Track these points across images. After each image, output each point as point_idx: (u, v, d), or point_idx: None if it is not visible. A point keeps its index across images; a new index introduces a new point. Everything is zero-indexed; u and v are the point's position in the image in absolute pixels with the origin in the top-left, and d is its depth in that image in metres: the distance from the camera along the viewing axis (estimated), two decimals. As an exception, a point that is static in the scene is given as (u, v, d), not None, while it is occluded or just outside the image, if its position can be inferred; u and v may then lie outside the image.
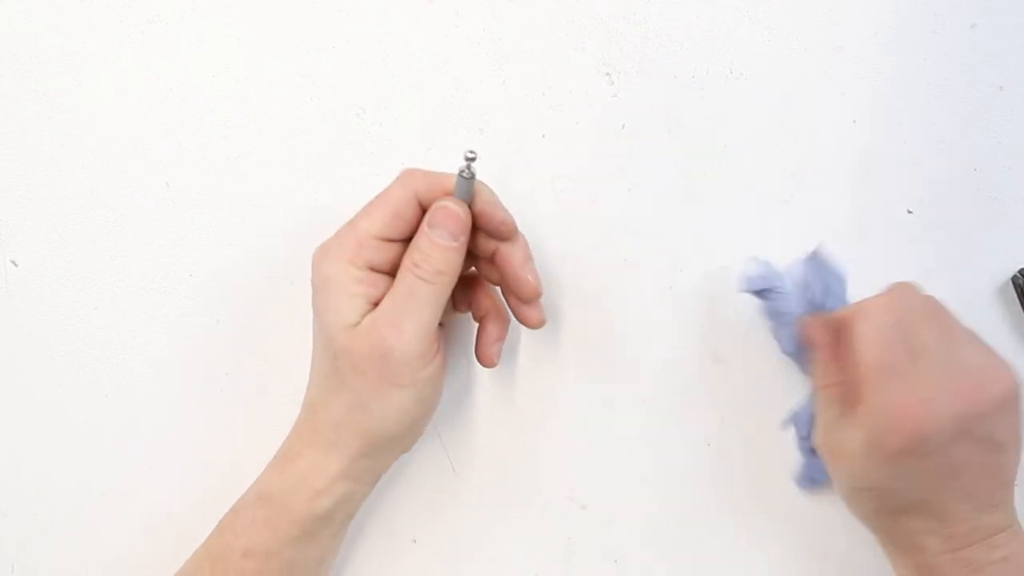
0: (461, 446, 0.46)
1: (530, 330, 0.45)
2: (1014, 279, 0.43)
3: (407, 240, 0.39)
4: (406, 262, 0.38)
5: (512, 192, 0.44)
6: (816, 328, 0.41)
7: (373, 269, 0.38)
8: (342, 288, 0.38)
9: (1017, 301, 0.44)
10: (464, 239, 0.38)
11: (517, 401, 0.46)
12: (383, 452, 0.40)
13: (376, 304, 0.38)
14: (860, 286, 0.45)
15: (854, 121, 0.45)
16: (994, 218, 0.44)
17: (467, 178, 0.38)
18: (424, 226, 0.38)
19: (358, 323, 0.37)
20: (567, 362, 0.45)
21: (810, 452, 0.42)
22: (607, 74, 0.45)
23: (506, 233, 0.39)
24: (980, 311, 0.44)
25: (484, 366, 0.42)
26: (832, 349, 0.39)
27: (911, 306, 0.37)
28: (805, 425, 0.43)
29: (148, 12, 0.46)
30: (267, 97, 0.46)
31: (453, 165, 0.46)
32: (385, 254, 0.38)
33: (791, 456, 0.44)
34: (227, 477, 0.45)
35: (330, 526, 0.40)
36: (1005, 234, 0.44)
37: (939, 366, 0.35)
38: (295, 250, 0.46)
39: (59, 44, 0.46)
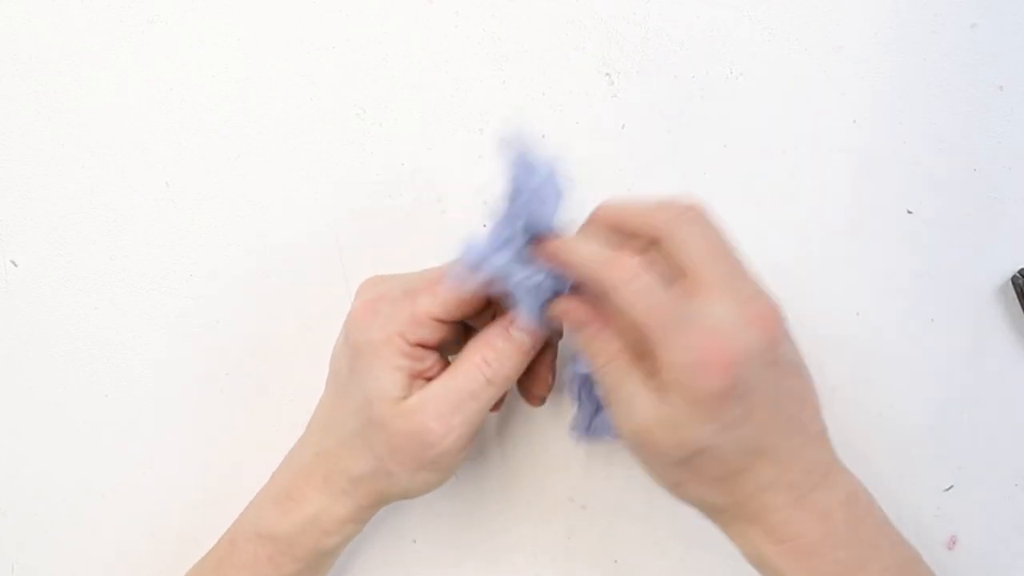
0: (461, 446, 0.46)
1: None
2: (1014, 279, 0.43)
3: (464, 320, 0.38)
4: (476, 359, 0.36)
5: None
6: (573, 306, 0.36)
7: (421, 346, 0.37)
8: (388, 360, 0.36)
9: (1017, 301, 0.44)
10: (538, 346, 0.38)
11: (517, 401, 0.46)
12: (390, 503, 0.40)
13: (417, 377, 0.37)
14: (860, 286, 0.45)
15: (854, 121, 0.45)
16: (994, 218, 0.44)
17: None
18: (508, 327, 0.37)
19: (400, 398, 0.36)
20: (567, 362, 0.45)
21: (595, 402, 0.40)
22: (607, 74, 0.45)
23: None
24: (980, 311, 0.44)
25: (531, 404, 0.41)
26: (598, 320, 0.35)
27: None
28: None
29: (148, 12, 0.46)
30: (267, 97, 0.46)
31: (453, 165, 0.46)
32: (438, 334, 0.37)
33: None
34: (227, 477, 0.46)
35: (332, 558, 0.41)
36: (1005, 234, 0.44)
37: (721, 300, 0.33)
38: (295, 250, 0.46)
39: (59, 44, 0.46)
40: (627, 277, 0.33)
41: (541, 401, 0.41)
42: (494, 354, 0.36)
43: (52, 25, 0.47)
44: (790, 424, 0.34)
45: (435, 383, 0.36)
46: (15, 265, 0.47)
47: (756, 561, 0.35)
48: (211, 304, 0.46)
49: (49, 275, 0.47)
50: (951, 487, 0.44)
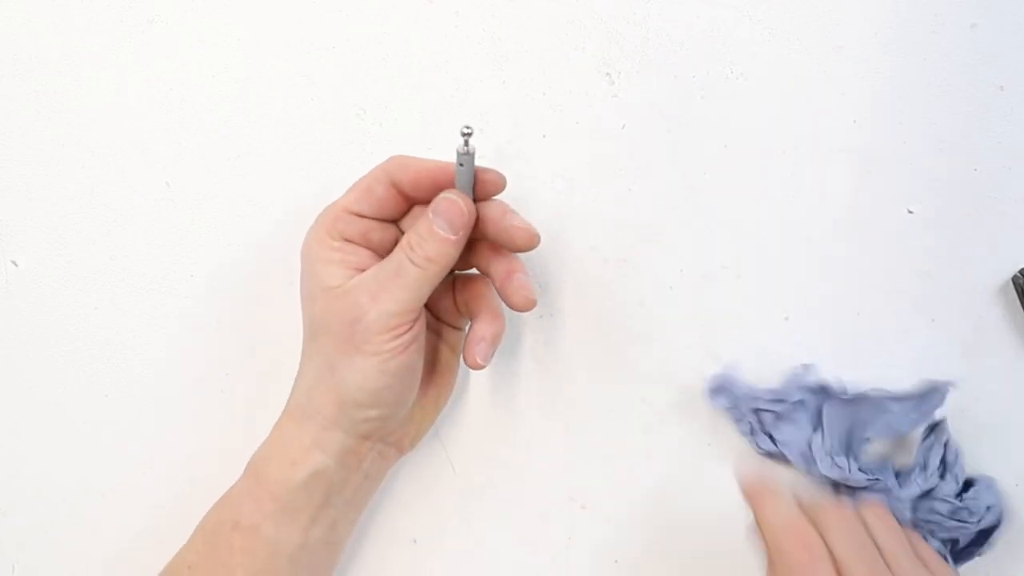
0: (461, 446, 0.46)
1: (531, 329, 0.45)
2: (1014, 279, 0.43)
3: (380, 219, 0.40)
4: (402, 241, 0.39)
5: (512, 192, 0.44)
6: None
7: (347, 240, 0.40)
8: (318, 256, 0.39)
9: (1017, 301, 0.44)
10: (464, 234, 0.39)
11: (517, 401, 0.46)
12: (352, 423, 0.39)
13: (353, 269, 0.39)
14: (860, 286, 0.45)
15: (854, 121, 0.45)
16: (994, 218, 0.44)
17: (466, 155, 0.38)
18: (428, 212, 0.38)
19: (336, 286, 0.38)
20: (567, 362, 0.45)
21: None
22: (607, 74, 0.45)
23: (492, 191, 0.40)
24: (980, 311, 0.44)
25: (468, 366, 0.41)
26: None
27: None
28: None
29: (148, 12, 0.46)
30: (267, 97, 0.46)
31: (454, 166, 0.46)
32: (357, 227, 0.40)
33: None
34: (227, 477, 0.45)
35: (307, 504, 0.40)
36: (1005, 234, 0.44)
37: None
38: (295, 250, 0.46)
39: (59, 44, 0.46)
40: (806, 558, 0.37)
41: (529, 302, 0.40)
42: (416, 238, 0.38)
43: (52, 25, 0.47)
44: None
45: (368, 271, 0.39)
46: (15, 265, 0.47)
47: None
48: (211, 304, 0.46)
49: (49, 275, 0.47)
50: (951, 487, 0.43)
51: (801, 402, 0.42)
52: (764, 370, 0.44)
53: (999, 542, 0.42)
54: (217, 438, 0.46)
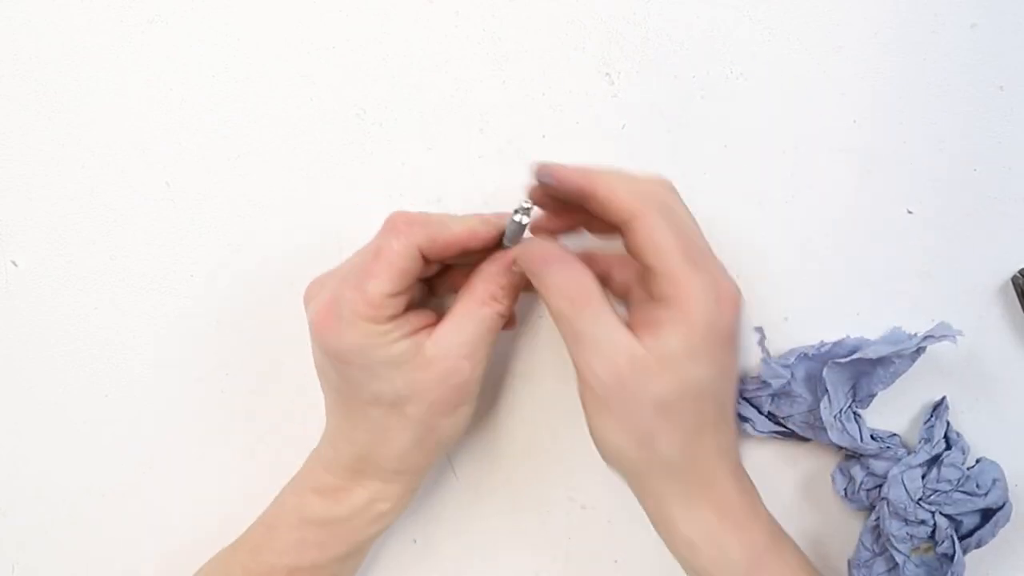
0: (461, 447, 0.46)
1: (531, 329, 0.45)
2: (1014, 279, 0.43)
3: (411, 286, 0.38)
4: (484, 295, 0.38)
5: (512, 192, 0.44)
6: (543, 246, 0.38)
7: (394, 317, 0.37)
8: (378, 349, 0.36)
9: (1017, 301, 0.44)
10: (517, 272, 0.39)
11: (517, 401, 0.46)
12: (438, 458, 0.41)
13: (412, 335, 0.37)
14: (860, 286, 0.45)
15: (854, 121, 0.45)
16: (994, 218, 0.44)
17: (520, 224, 0.38)
18: (512, 265, 0.38)
19: (411, 359, 0.37)
20: (567, 362, 0.45)
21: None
22: (607, 74, 0.45)
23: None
24: (980, 311, 0.44)
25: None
26: (570, 257, 0.37)
27: (677, 199, 0.38)
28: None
29: (148, 12, 0.46)
30: (267, 97, 0.46)
31: (453, 165, 0.46)
32: (402, 302, 0.38)
33: (792, 461, 0.44)
34: (227, 477, 0.45)
35: (378, 536, 0.42)
36: (1005, 234, 0.44)
37: (714, 257, 0.37)
38: (295, 250, 0.46)
39: (59, 44, 0.46)
40: (668, 196, 0.37)
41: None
42: (501, 290, 0.38)
43: (52, 25, 0.46)
44: (733, 391, 0.38)
45: (447, 327, 0.37)
46: (15, 265, 0.47)
47: (696, 534, 0.37)
48: (211, 304, 0.46)
49: (49, 275, 0.47)
50: (951, 487, 0.43)
51: (792, 376, 0.42)
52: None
53: (999, 542, 0.42)
54: (217, 438, 0.46)
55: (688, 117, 0.45)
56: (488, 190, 0.45)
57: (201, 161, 0.46)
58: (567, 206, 0.39)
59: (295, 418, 0.46)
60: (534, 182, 0.37)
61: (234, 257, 0.46)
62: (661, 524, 0.38)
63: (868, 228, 0.45)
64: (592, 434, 0.37)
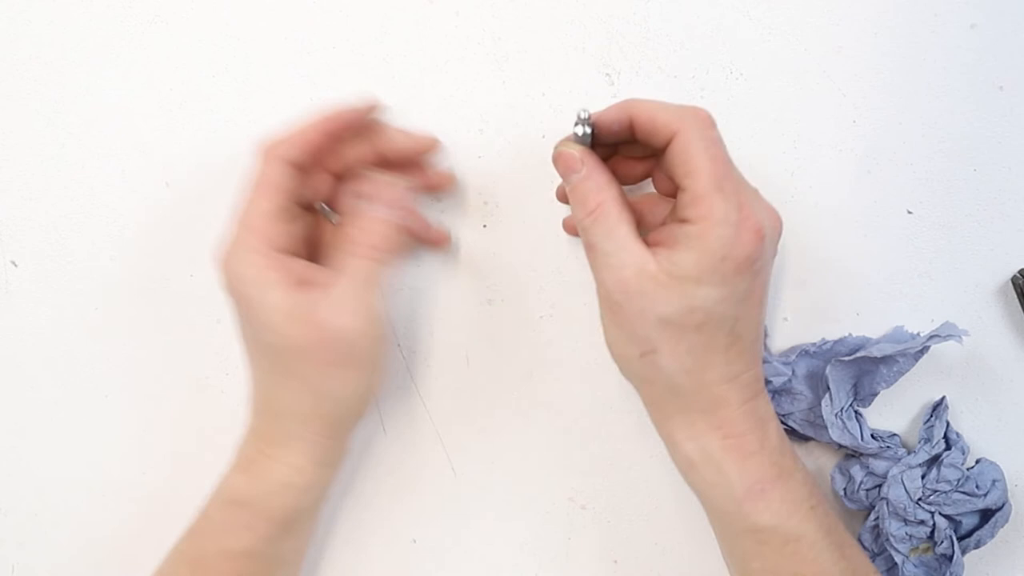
0: (461, 447, 0.46)
1: (532, 329, 0.45)
2: (1014, 279, 0.43)
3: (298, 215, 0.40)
4: (349, 245, 0.38)
5: (513, 192, 0.44)
6: (571, 151, 0.38)
7: (277, 252, 0.38)
8: (259, 288, 0.37)
9: (1017, 301, 0.44)
10: (401, 213, 0.39)
11: (517, 401, 0.46)
12: (345, 429, 0.41)
13: (300, 285, 0.37)
14: (860, 286, 0.45)
15: (854, 121, 0.45)
16: (994, 218, 0.44)
17: (580, 135, 0.38)
18: (364, 205, 0.39)
19: (294, 309, 0.37)
20: (567, 362, 0.45)
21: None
22: (607, 74, 0.45)
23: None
24: (980, 311, 0.44)
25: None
26: (596, 164, 0.37)
27: (716, 131, 0.37)
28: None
29: (148, 13, 0.46)
30: (267, 97, 0.46)
31: (453, 165, 0.46)
32: (281, 237, 0.38)
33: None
34: (227, 477, 0.45)
35: (309, 516, 0.41)
36: (1005, 234, 0.44)
37: (749, 188, 0.36)
38: (295, 250, 0.46)
39: (59, 44, 0.46)
40: (708, 122, 0.36)
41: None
42: (379, 239, 0.39)
43: (52, 25, 0.46)
44: (760, 326, 0.37)
45: (333, 286, 0.37)
46: (15, 265, 0.47)
47: (696, 455, 0.37)
48: (211, 304, 0.46)
49: (49, 275, 0.47)
50: (951, 487, 0.43)
51: (793, 373, 0.42)
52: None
53: (998, 542, 0.42)
54: (217, 438, 0.46)
55: (688, 117, 0.45)
56: (488, 190, 0.45)
57: (201, 161, 0.46)
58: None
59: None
60: (575, 134, 0.38)
61: (234, 257, 0.46)
62: (665, 437, 0.38)
63: (868, 228, 0.45)
64: (606, 341, 0.38)
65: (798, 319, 0.45)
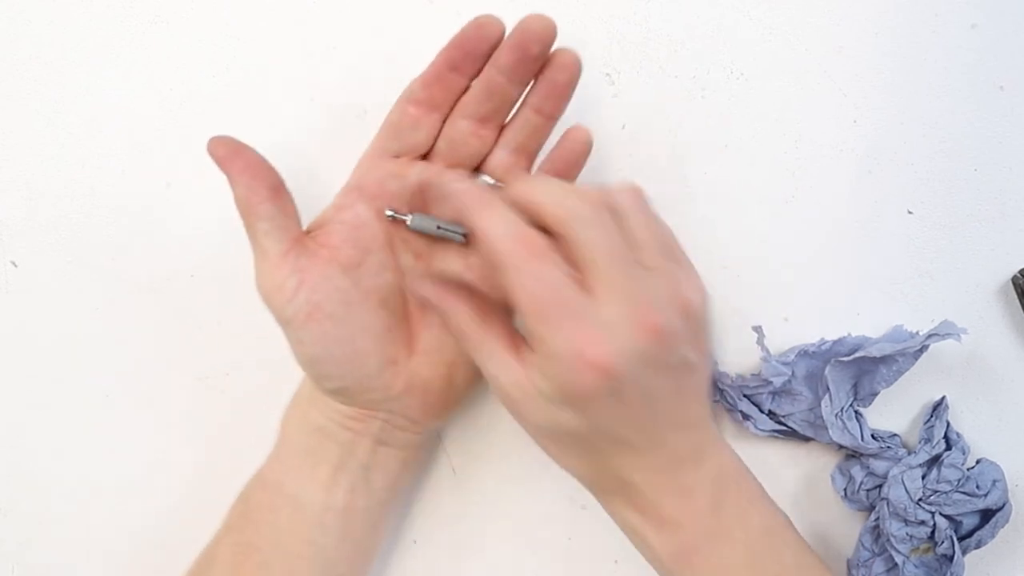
0: (461, 447, 0.46)
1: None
2: (1014, 279, 0.43)
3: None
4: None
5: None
6: (441, 289, 0.37)
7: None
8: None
9: (1017, 301, 0.44)
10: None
11: (517, 401, 0.46)
12: (322, 389, 0.39)
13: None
14: (860, 286, 0.45)
15: (854, 121, 0.45)
16: (994, 218, 0.44)
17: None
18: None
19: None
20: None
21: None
22: (607, 74, 0.45)
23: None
24: (980, 311, 0.44)
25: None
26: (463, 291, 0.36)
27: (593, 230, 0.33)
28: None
29: (149, 13, 0.46)
30: (267, 97, 0.46)
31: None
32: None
33: (792, 461, 0.44)
34: (227, 477, 0.45)
35: (322, 461, 0.39)
36: (1005, 234, 0.44)
37: (613, 301, 0.32)
38: (295, 250, 0.46)
39: (59, 44, 0.46)
40: (530, 257, 0.32)
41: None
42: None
43: (52, 25, 0.46)
44: (661, 417, 0.34)
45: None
46: (15, 265, 0.47)
47: (626, 529, 0.37)
48: (211, 304, 0.46)
49: (49, 275, 0.47)
50: (951, 487, 0.43)
51: (792, 374, 0.42)
52: (760, 368, 0.44)
53: (998, 542, 0.42)
54: (218, 438, 0.46)
55: (688, 117, 0.45)
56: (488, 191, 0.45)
57: (201, 161, 0.46)
58: None
59: (295, 418, 0.46)
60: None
61: (234, 257, 0.46)
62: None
63: (868, 228, 0.45)
64: None
65: (798, 319, 0.45)
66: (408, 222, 0.39)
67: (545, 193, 0.34)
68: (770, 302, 0.45)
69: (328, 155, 0.46)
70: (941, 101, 0.44)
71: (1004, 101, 0.44)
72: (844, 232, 0.45)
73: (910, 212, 0.45)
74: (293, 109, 0.46)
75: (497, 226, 0.33)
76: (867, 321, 0.44)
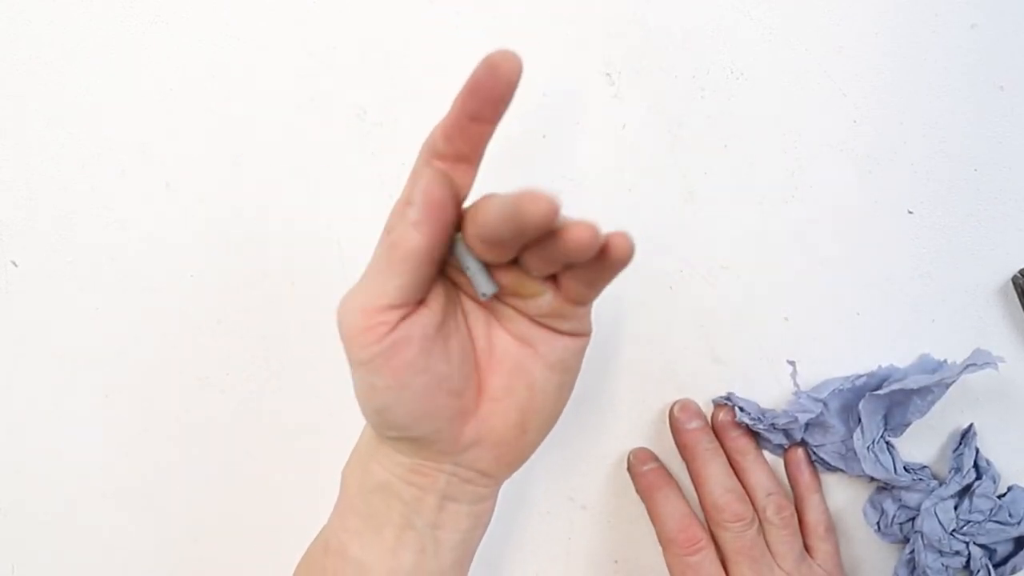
0: (461, 446, 0.46)
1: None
2: (1014, 279, 0.43)
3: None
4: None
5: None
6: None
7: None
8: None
9: (1017, 301, 0.44)
10: (434, 222, 0.32)
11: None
12: (388, 440, 0.35)
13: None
14: (860, 286, 0.45)
15: (854, 121, 0.45)
16: (994, 218, 0.44)
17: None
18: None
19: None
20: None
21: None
22: (607, 74, 0.45)
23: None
24: (980, 311, 0.44)
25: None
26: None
27: None
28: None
29: (149, 13, 0.46)
30: (267, 97, 0.46)
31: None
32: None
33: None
34: (227, 477, 0.45)
35: (387, 521, 0.36)
36: (1005, 234, 0.44)
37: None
38: (295, 250, 0.46)
39: (59, 44, 0.46)
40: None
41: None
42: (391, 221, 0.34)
43: (52, 25, 0.46)
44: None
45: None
46: (15, 265, 0.47)
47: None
48: (211, 304, 0.46)
49: (49, 275, 0.47)
50: (951, 487, 0.43)
51: (825, 407, 0.42)
52: (764, 370, 0.44)
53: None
54: (218, 438, 0.46)
55: (688, 117, 0.45)
56: (489, 190, 0.45)
57: (201, 161, 0.46)
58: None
59: (295, 419, 0.46)
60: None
61: (234, 257, 0.46)
62: None
63: (868, 228, 0.45)
64: None
65: (798, 319, 0.45)
66: (456, 243, 0.34)
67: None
68: (770, 302, 0.45)
69: (327, 155, 0.46)
70: (941, 101, 0.44)
71: (1004, 101, 0.44)
72: (844, 232, 0.45)
73: (910, 212, 0.45)
74: (293, 109, 0.46)
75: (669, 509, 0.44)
76: (866, 321, 0.44)
